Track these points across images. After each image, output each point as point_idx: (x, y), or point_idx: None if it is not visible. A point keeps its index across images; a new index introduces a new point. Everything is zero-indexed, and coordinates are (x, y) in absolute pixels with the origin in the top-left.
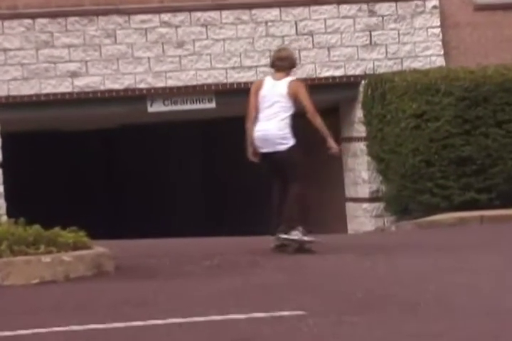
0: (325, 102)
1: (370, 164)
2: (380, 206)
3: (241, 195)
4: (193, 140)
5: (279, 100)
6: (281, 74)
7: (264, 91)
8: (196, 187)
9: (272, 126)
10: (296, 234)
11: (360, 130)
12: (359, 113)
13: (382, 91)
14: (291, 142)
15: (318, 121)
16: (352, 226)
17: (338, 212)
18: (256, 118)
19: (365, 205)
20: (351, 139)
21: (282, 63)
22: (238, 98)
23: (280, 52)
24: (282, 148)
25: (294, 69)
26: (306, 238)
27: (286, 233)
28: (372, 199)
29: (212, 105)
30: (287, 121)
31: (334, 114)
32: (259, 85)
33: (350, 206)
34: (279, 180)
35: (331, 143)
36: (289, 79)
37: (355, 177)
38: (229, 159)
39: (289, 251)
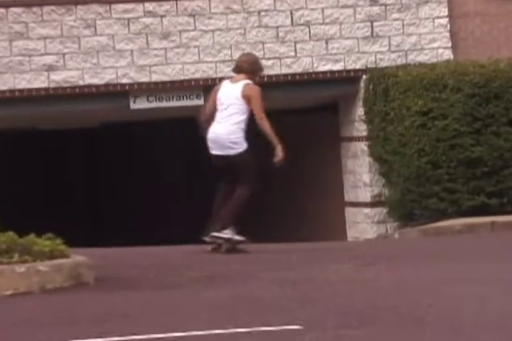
0: (323, 99)
1: (371, 166)
2: (382, 211)
3: None
4: (180, 139)
5: (234, 102)
6: (239, 77)
7: (220, 93)
8: (183, 189)
9: (223, 129)
10: (227, 233)
11: (360, 129)
12: (360, 110)
13: (385, 86)
14: (242, 147)
15: (266, 127)
16: (352, 233)
17: (337, 218)
18: (212, 120)
19: (367, 210)
20: (351, 139)
21: (241, 67)
22: None
23: (242, 57)
24: (232, 152)
25: (257, 74)
26: (236, 237)
27: (218, 232)
28: (374, 203)
29: (201, 102)
30: (241, 125)
31: (333, 112)
32: (218, 89)
33: (350, 211)
34: (226, 183)
35: (279, 150)
36: (244, 82)
37: (356, 180)
38: None
39: (222, 251)
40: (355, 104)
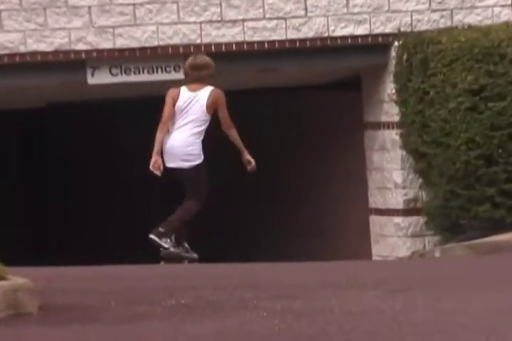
0: (341, 73)
1: (405, 161)
2: (418, 221)
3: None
4: (154, 125)
5: (195, 113)
6: (199, 84)
7: (179, 103)
8: (155, 188)
9: (181, 140)
10: (166, 242)
11: (391, 112)
12: (390, 88)
13: (424, 57)
14: (198, 160)
15: (233, 135)
16: (378, 250)
17: (359, 230)
18: (168, 130)
19: (398, 220)
20: (378, 125)
21: (199, 73)
22: (218, 66)
23: (196, 60)
24: (187, 165)
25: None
26: (172, 249)
27: (158, 237)
28: (408, 211)
29: (181, 75)
30: (200, 136)
31: (354, 90)
32: (176, 95)
33: (376, 221)
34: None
35: (248, 156)
36: (209, 88)
37: (384, 179)
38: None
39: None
40: (384, 79)
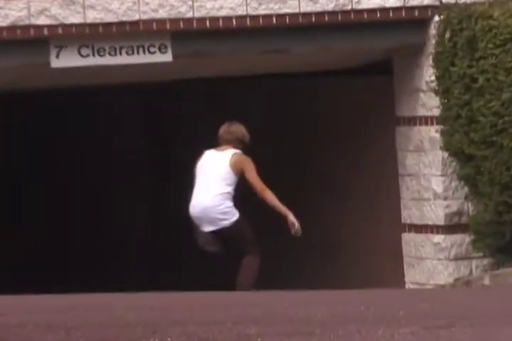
0: (367, 55)
1: (446, 165)
2: (463, 240)
3: None
4: (132, 118)
5: (219, 172)
6: (225, 146)
7: (201, 162)
8: (134, 189)
9: (208, 200)
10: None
11: (429, 104)
12: (428, 73)
13: (471, 35)
14: (235, 216)
15: (270, 198)
16: (413, 276)
17: (389, 251)
18: (191, 192)
19: (438, 238)
20: (414, 121)
21: (227, 136)
22: (214, 45)
23: (228, 127)
24: (225, 223)
25: (243, 145)
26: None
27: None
28: (451, 227)
29: (168, 58)
30: (228, 195)
31: (384, 77)
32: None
33: (410, 239)
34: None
35: (292, 219)
36: (232, 151)
37: (421, 188)
38: (192, 149)
39: None
40: (421, 63)
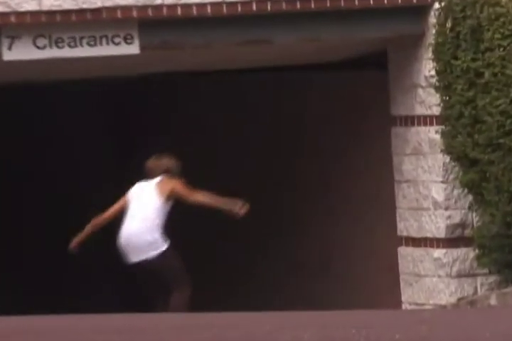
0: (359, 47)
1: (448, 171)
2: (467, 255)
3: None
4: (97, 117)
5: (147, 202)
6: (154, 178)
7: (130, 194)
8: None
9: (137, 230)
10: None
11: (429, 102)
12: (428, 67)
13: (475, 24)
14: (163, 246)
15: (202, 199)
16: (411, 295)
17: (384, 266)
18: (121, 222)
19: (438, 253)
20: (411, 120)
21: (155, 169)
22: (187, 36)
23: (155, 160)
24: (153, 254)
25: (173, 175)
26: None
27: None
28: (453, 241)
29: (134, 49)
30: (158, 224)
31: (378, 71)
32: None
33: (407, 254)
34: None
35: (232, 204)
36: (158, 178)
37: (419, 196)
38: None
39: None
40: (420, 55)
